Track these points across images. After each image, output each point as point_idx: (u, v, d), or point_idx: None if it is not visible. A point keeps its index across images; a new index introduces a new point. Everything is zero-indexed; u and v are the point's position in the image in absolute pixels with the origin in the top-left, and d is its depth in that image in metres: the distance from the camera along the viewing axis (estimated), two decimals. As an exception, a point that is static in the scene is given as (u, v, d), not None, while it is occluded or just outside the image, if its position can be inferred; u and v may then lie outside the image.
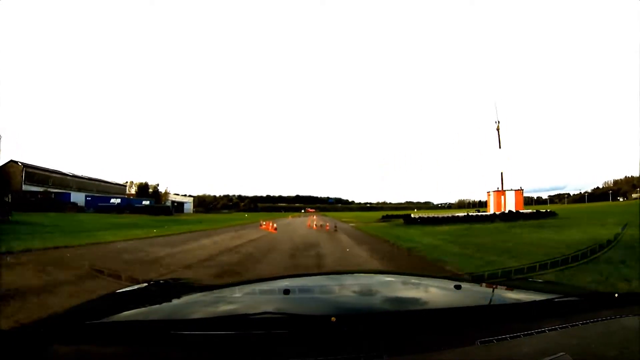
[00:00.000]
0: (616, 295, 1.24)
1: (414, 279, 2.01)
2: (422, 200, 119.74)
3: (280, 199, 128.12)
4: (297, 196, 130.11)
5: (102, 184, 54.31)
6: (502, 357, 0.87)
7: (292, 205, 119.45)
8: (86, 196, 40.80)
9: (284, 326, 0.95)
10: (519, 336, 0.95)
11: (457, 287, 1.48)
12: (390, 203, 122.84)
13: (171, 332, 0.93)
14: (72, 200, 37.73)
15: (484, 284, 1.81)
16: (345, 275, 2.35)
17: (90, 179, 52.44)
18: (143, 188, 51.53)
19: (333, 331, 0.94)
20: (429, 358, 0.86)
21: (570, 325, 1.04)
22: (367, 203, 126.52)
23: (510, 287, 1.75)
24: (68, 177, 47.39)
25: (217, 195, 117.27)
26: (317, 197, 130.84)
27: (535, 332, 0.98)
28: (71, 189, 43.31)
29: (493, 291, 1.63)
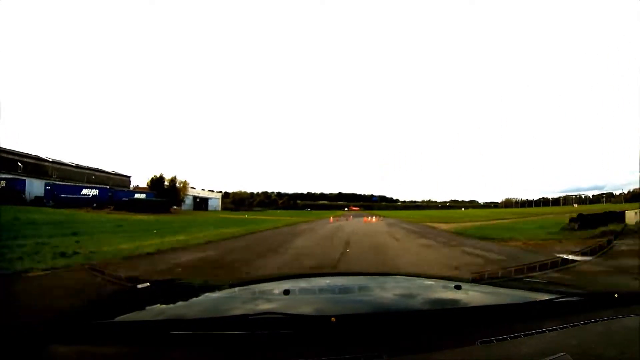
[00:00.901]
0: (616, 295, 1.25)
1: (414, 280, 2.01)
2: (467, 199, 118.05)
3: (322, 196, 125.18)
4: (340, 194, 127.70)
5: (98, 174, 43.28)
6: (503, 357, 0.87)
7: (334, 203, 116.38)
8: (46, 185, 30.49)
9: (284, 326, 0.95)
10: (519, 336, 0.95)
11: (457, 288, 1.48)
12: (435, 202, 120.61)
13: (171, 333, 0.93)
14: (27, 189, 28.58)
15: (484, 284, 1.81)
16: (345, 275, 2.36)
17: (79, 166, 41.05)
18: (157, 181, 43.44)
19: (333, 331, 0.94)
20: (429, 358, 0.86)
21: (571, 326, 1.04)
22: (411, 201, 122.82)
23: (511, 287, 1.75)
24: (46, 164, 36.33)
25: (255, 192, 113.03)
26: (360, 195, 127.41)
27: (535, 332, 0.98)
28: (51, 178, 33.55)
29: (493, 291, 1.63)
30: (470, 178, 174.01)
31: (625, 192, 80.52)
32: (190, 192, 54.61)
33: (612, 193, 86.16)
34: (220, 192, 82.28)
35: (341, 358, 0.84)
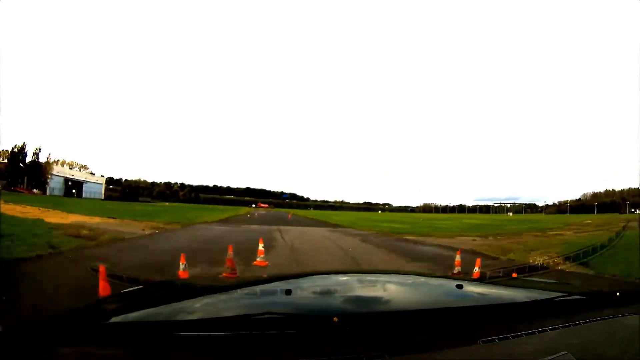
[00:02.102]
0: (618, 294, 1.25)
1: (415, 279, 2.01)
2: (382, 202, 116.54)
3: (229, 190, 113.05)
4: (248, 188, 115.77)
5: None
6: (504, 356, 0.87)
7: (241, 198, 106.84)
8: None
9: (286, 326, 0.95)
10: (521, 335, 0.95)
11: (459, 287, 1.48)
12: (349, 203, 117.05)
13: (173, 333, 0.93)
14: None
15: (485, 283, 1.81)
16: (346, 275, 2.35)
17: None
18: (16, 155, 32.52)
19: (335, 331, 0.95)
20: (431, 357, 0.86)
21: (572, 324, 1.04)
22: (323, 201, 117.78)
23: (512, 286, 1.75)
24: None
25: (159, 181, 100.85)
26: (269, 191, 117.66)
27: (537, 331, 0.98)
28: None
29: (494, 290, 1.63)
30: (385, 181, 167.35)
31: (549, 203, 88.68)
32: (61, 172, 43.80)
33: (534, 204, 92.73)
34: (103, 176, 70.18)
35: (343, 358, 0.84)
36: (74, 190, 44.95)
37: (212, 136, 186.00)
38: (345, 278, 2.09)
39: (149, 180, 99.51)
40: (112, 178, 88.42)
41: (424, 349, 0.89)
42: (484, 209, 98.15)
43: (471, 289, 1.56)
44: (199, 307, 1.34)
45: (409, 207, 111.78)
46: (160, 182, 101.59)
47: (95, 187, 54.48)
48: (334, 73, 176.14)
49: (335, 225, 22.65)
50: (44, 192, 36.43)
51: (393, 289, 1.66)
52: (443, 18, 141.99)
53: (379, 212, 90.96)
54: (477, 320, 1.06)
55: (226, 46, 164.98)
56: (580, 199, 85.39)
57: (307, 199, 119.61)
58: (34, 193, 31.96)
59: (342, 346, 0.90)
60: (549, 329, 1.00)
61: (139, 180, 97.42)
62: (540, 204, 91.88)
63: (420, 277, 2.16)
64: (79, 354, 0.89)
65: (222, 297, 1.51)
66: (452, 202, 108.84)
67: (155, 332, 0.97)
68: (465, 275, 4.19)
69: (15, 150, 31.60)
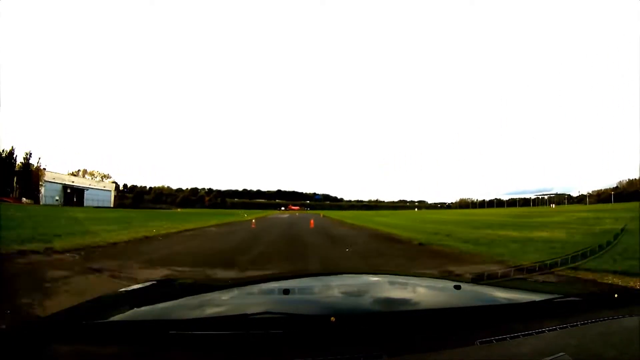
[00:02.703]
0: (616, 295, 1.25)
1: (413, 280, 2.01)
2: (417, 199, 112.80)
3: (259, 194, 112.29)
4: (279, 191, 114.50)
5: None
6: (502, 357, 0.87)
7: (272, 201, 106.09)
8: None
9: (284, 326, 0.95)
10: (519, 336, 0.95)
11: (457, 287, 1.48)
12: (383, 202, 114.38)
13: (170, 332, 0.93)
14: None
15: (483, 284, 1.81)
16: (345, 275, 2.35)
17: None
18: (5, 160, 27.43)
19: (333, 331, 0.94)
20: (429, 358, 0.86)
21: (570, 326, 1.04)
22: (358, 201, 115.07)
23: (510, 288, 1.75)
24: None
25: (185, 188, 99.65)
26: (301, 193, 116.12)
27: (534, 332, 0.98)
28: None
29: (492, 291, 1.63)
30: (418, 178, 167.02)
31: (582, 193, 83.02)
32: (58, 178, 38.06)
33: (568, 195, 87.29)
34: (115, 182, 65.28)
35: (341, 358, 0.84)
36: (75, 198, 40.66)
37: (242, 141, 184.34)
38: (343, 278, 2.09)
39: (175, 186, 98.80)
40: (126, 185, 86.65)
41: (422, 350, 0.89)
42: (522, 202, 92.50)
43: (469, 289, 1.56)
44: (197, 306, 1.34)
45: (445, 203, 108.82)
46: (187, 188, 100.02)
47: (101, 194, 49.72)
48: (359, 72, 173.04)
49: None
50: (36, 201, 31.95)
51: (391, 290, 1.66)
52: (445, 18, 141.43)
53: (415, 209, 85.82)
54: (475, 321, 1.06)
55: (246, 50, 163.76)
56: (617, 186, 78.77)
57: (341, 199, 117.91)
58: (21, 203, 27.88)
59: (340, 346, 0.90)
60: (547, 330, 1.00)
61: (162, 187, 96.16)
62: (574, 194, 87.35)
63: (418, 277, 2.16)
64: (76, 352, 0.88)
65: (220, 296, 1.51)
66: (485, 196, 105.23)
67: (153, 330, 0.96)
68: (464, 276, 4.19)
69: (4, 155, 27.66)
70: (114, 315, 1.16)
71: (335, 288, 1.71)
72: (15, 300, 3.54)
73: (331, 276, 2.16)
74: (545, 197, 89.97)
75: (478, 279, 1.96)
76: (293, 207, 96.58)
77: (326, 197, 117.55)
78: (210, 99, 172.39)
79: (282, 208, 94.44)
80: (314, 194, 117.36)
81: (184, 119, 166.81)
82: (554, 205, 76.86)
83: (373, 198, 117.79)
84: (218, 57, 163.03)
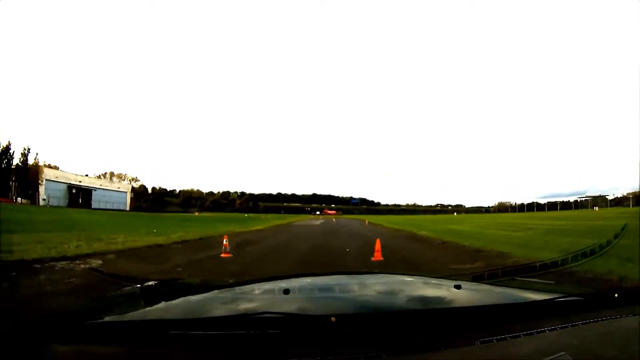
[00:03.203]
0: (616, 295, 1.24)
1: (413, 279, 2.01)
2: (454, 203, 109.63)
3: (294, 197, 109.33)
4: (314, 195, 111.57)
5: None
6: (502, 357, 0.87)
7: (307, 205, 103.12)
8: None
9: (284, 326, 0.95)
10: (519, 336, 0.95)
11: (457, 287, 1.48)
12: (421, 205, 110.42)
13: (171, 332, 0.93)
14: None
15: (483, 284, 1.81)
16: (345, 275, 2.35)
17: None
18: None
19: (333, 331, 0.94)
20: (429, 358, 0.86)
21: (571, 325, 1.04)
22: (395, 205, 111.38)
23: (510, 287, 1.75)
24: None
25: (217, 191, 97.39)
26: (337, 197, 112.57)
27: (535, 332, 0.98)
28: None
29: (493, 291, 1.63)
30: (456, 181, 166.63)
31: (617, 195, 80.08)
32: (59, 177, 34.62)
33: (603, 196, 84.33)
34: (132, 181, 62.41)
35: (341, 358, 0.83)
36: (81, 200, 37.80)
37: (277, 144, 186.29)
38: (343, 278, 2.09)
39: (209, 190, 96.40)
40: (155, 188, 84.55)
41: (422, 350, 0.89)
42: (562, 206, 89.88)
43: (469, 289, 1.56)
44: (197, 306, 1.34)
45: (483, 207, 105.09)
46: (218, 192, 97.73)
47: (114, 196, 45.61)
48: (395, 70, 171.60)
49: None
50: (34, 201, 29.45)
51: (391, 290, 1.66)
52: (449, 18, 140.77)
53: (455, 214, 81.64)
54: (475, 321, 1.06)
55: (272, 54, 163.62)
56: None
57: (378, 204, 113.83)
58: (13, 202, 25.57)
59: (340, 346, 0.89)
60: (547, 329, 1.00)
61: (192, 190, 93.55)
62: (610, 197, 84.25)
63: (418, 277, 2.16)
64: (76, 352, 0.88)
65: (220, 296, 1.51)
66: (519, 199, 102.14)
67: (153, 330, 0.96)
68: (464, 275, 4.19)
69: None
70: (114, 315, 1.16)
71: (335, 288, 1.71)
72: (15, 301, 3.55)
73: (331, 276, 2.16)
74: (584, 200, 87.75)
75: (478, 279, 1.95)
76: (329, 212, 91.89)
77: (363, 201, 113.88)
78: (248, 104, 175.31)
79: (317, 212, 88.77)
80: (351, 197, 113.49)
81: (220, 123, 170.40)
82: (597, 208, 74.21)
83: (410, 202, 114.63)
84: (247, 61, 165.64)
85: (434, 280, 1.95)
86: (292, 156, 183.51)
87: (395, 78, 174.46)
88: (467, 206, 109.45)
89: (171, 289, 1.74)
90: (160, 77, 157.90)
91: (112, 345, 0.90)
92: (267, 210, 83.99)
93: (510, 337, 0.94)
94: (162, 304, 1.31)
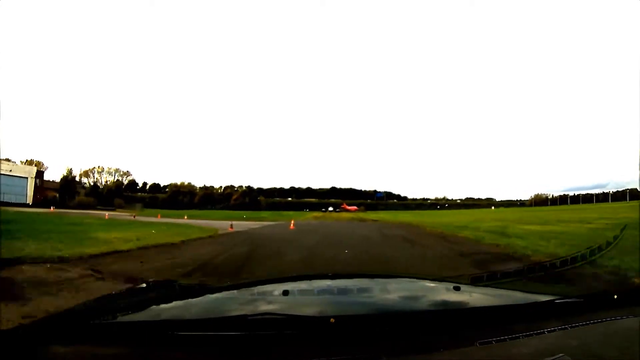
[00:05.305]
0: (615, 296, 1.25)
1: (413, 281, 2.01)
2: (484, 197, 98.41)
3: (309, 192, 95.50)
4: (333, 189, 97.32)
5: None
6: (502, 358, 0.87)
7: (324, 200, 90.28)
8: None
9: (283, 327, 0.95)
10: (519, 337, 0.95)
11: (457, 289, 1.48)
12: (451, 199, 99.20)
13: (170, 333, 0.93)
14: None
15: (483, 286, 1.81)
16: (344, 277, 2.35)
17: None
18: None
19: (332, 332, 0.94)
20: (429, 359, 0.86)
21: (570, 327, 1.04)
22: (423, 199, 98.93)
23: (510, 289, 1.75)
24: None
25: (223, 185, 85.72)
26: (359, 191, 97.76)
27: (534, 333, 0.98)
28: None
29: (492, 292, 1.63)
30: (485, 173, 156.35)
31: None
32: None
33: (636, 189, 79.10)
34: (124, 175, 52.16)
35: (340, 359, 0.84)
36: None
37: (291, 134, 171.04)
38: (343, 280, 2.09)
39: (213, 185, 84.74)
40: (158, 184, 77.02)
41: (421, 351, 0.89)
42: (602, 198, 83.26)
43: (468, 291, 1.56)
44: (196, 307, 1.34)
45: (518, 200, 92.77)
46: (220, 187, 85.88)
47: (16, 185, 31.01)
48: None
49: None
50: None
51: (390, 291, 1.66)
52: (451, 15, 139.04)
53: (492, 208, 73.87)
54: (475, 322, 1.06)
55: (287, 51, 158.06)
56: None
57: (405, 198, 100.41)
58: None
59: (340, 347, 0.90)
60: (547, 331, 1.00)
61: (182, 183, 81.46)
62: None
63: (418, 279, 2.16)
64: (76, 352, 0.88)
65: (220, 297, 1.51)
66: (553, 191, 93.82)
67: (153, 331, 0.97)
68: (463, 277, 4.20)
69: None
70: (114, 316, 1.16)
71: (334, 289, 1.71)
72: (14, 301, 3.54)
73: (331, 278, 2.16)
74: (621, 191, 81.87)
75: (478, 280, 1.95)
76: (349, 207, 73.30)
77: (389, 195, 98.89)
78: (262, 96, 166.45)
79: (330, 209, 71.59)
80: (375, 191, 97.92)
81: (225, 111, 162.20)
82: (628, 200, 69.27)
83: (440, 195, 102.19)
84: (261, 57, 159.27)
85: (433, 282, 1.95)
86: (308, 146, 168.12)
87: (425, 64, 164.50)
88: (497, 199, 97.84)
89: (171, 289, 1.74)
90: (166, 71, 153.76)
91: (112, 346, 0.90)
92: (274, 207, 74.29)
93: (510, 339, 0.94)
94: (162, 305, 1.32)
